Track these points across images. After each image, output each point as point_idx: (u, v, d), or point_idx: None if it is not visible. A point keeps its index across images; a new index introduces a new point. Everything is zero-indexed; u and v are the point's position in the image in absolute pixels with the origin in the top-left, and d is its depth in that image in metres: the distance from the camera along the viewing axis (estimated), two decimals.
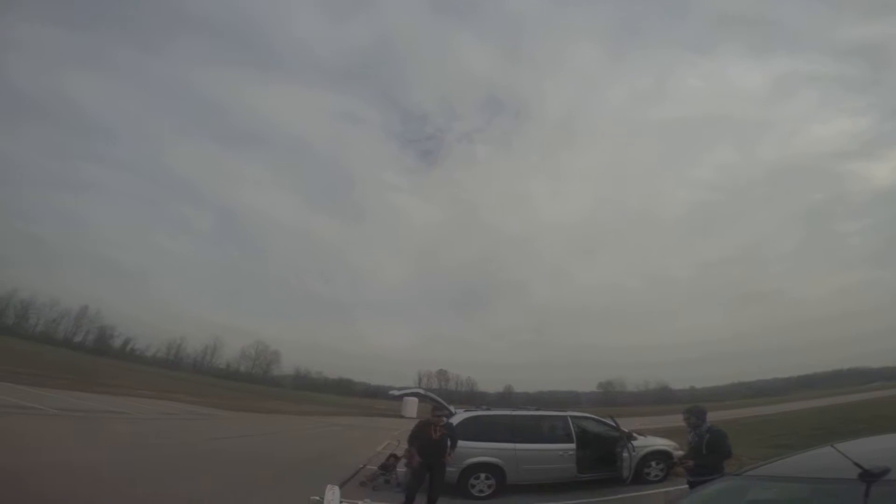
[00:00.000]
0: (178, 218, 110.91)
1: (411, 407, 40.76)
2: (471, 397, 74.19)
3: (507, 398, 74.76)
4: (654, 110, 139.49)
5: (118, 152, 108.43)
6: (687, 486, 5.07)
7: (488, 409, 9.21)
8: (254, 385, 67.21)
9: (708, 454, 5.15)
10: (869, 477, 1.63)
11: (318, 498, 5.84)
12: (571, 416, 8.76)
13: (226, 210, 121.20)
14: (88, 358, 50.21)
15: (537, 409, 9.44)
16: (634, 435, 8.70)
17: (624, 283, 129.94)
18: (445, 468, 6.59)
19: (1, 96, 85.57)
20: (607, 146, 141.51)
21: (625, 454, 8.06)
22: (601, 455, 8.44)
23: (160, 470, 7.72)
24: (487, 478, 7.74)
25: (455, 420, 7.87)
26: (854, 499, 1.61)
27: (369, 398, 66.65)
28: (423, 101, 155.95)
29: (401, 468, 8.78)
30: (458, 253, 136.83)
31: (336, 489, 6.36)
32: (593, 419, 9.24)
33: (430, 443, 6.50)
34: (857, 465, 1.69)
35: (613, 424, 8.76)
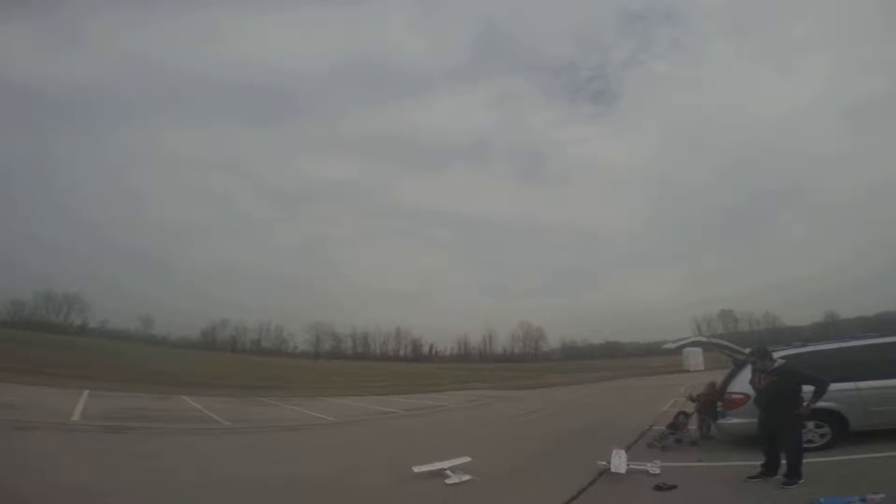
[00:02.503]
0: (427, 239, 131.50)
1: (695, 358, 36.99)
2: (775, 335, 61.92)
3: (829, 328, 58.75)
4: None
5: (375, 204, 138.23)
6: None
7: (804, 346, 7.87)
8: (527, 363, 74.14)
9: None
10: None
11: (604, 462, 6.46)
12: None
13: (457, 220, 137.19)
14: (408, 365, 66.04)
15: (883, 336, 7.52)
16: None
17: None
18: (793, 424, 5.36)
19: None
20: None
21: None
22: None
23: (492, 440, 9.73)
24: (818, 426, 6.51)
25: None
26: None
27: (642, 357, 63.93)
28: (559, 51, 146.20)
29: (692, 425, 8.51)
30: (695, 172, 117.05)
31: (622, 452, 6.88)
32: None
33: (758, 394, 5.79)
34: None
35: None
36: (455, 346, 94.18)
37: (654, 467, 6.27)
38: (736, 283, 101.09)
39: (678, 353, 36.27)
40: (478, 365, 74.03)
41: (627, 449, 7.55)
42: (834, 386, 6.08)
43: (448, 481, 5.95)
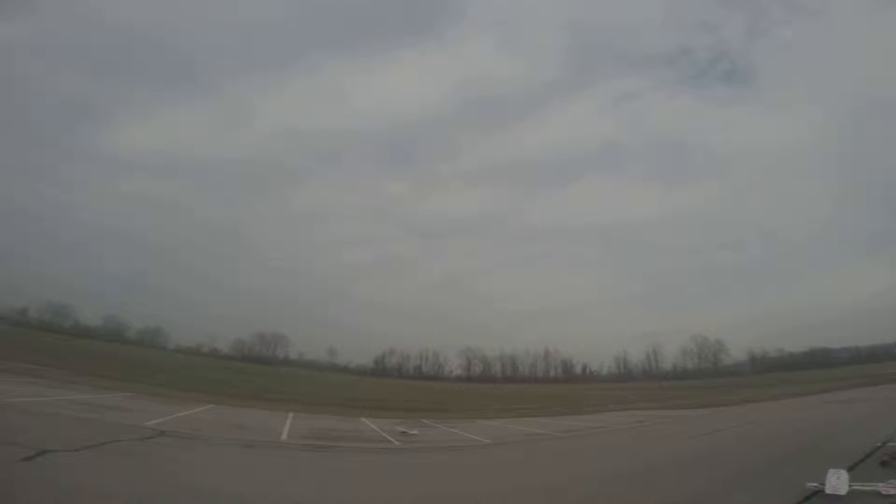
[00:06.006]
0: (568, 257, 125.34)
1: None
2: None
3: None
4: None
5: (508, 232, 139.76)
6: None
7: None
8: (707, 379, 64.23)
9: None
10: None
11: (816, 484, 5.31)
12: None
13: (597, 233, 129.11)
14: (561, 387, 63.49)
15: None
16: None
17: None
18: None
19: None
20: None
21: None
22: None
23: (665, 462, 8.83)
24: None
25: None
26: None
27: (864, 363, 50.29)
28: (662, 40, 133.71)
29: None
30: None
31: (842, 473, 5.66)
32: None
33: None
34: None
35: None
36: (613, 365, 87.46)
37: (888, 488, 5.09)
38: None
39: None
40: (641, 384, 67.03)
41: (850, 469, 6.13)
42: None
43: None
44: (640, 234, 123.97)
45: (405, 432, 13.87)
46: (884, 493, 4.98)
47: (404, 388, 50.39)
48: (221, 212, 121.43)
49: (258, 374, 45.54)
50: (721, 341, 76.68)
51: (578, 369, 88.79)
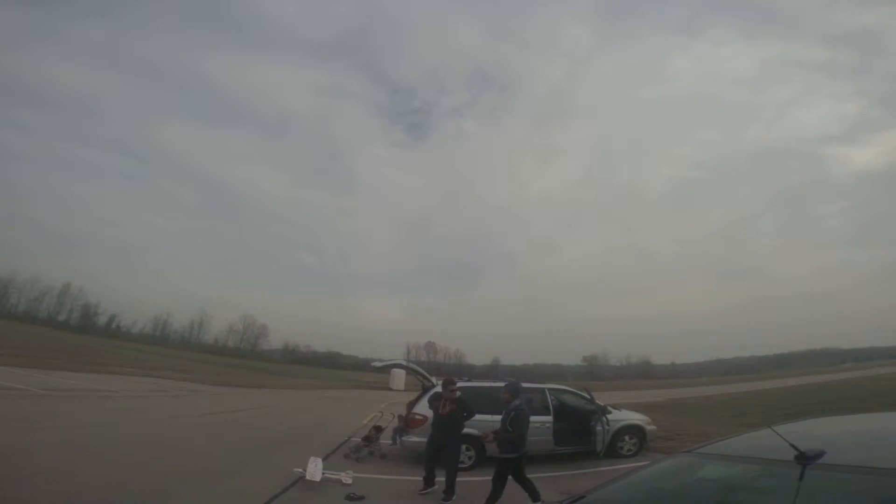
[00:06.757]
0: (162, 193, 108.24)
1: (399, 379, 41.48)
2: (459, 370, 75.69)
3: (493, 370, 76.45)
4: (642, 90, 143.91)
5: (98, 129, 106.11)
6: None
7: (469, 381, 8.94)
8: (242, 360, 67.36)
9: (511, 430, 5.33)
10: (804, 459, 1.62)
11: (300, 469, 6.29)
12: (549, 389, 8.70)
13: (211, 185, 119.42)
14: (73, 336, 49.89)
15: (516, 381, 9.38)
16: (609, 409, 8.73)
17: (610, 257, 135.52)
18: (458, 445, 6.40)
19: None
20: (595, 123, 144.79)
21: (598, 428, 8.13)
22: (577, 428, 8.39)
23: (152, 446, 7.96)
24: (468, 449, 7.50)
25: (433, 391, 7.61)
26: (790, 480, 1.60)
27: (358, 371, 67.50)
28: (410, 74, 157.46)
29: (384, 440, 9.08)
30: (447, 226, 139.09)
31: (318, 461, 6.82)
32: (571, 392, 9.19)
33: (437, 418, 6.38)
34: (793, 446, 1.67)
35: (588, 398, 8.71)
36: (149, 325, 77.24)
37: (346, 477, 6.43)
38: (442, 323, 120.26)
39: (386, 372, 39.76)
40: (178, 352, 62.52)
41: (325, 458, 7.53)
42: (479, 416, 6.99)
43: None
44: (255, 204, 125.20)
45: None
46: (344, 482, 6.26)
47: None
48: None
49: None
50: (266, 326, 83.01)
51: (104, 319, 73.12)
